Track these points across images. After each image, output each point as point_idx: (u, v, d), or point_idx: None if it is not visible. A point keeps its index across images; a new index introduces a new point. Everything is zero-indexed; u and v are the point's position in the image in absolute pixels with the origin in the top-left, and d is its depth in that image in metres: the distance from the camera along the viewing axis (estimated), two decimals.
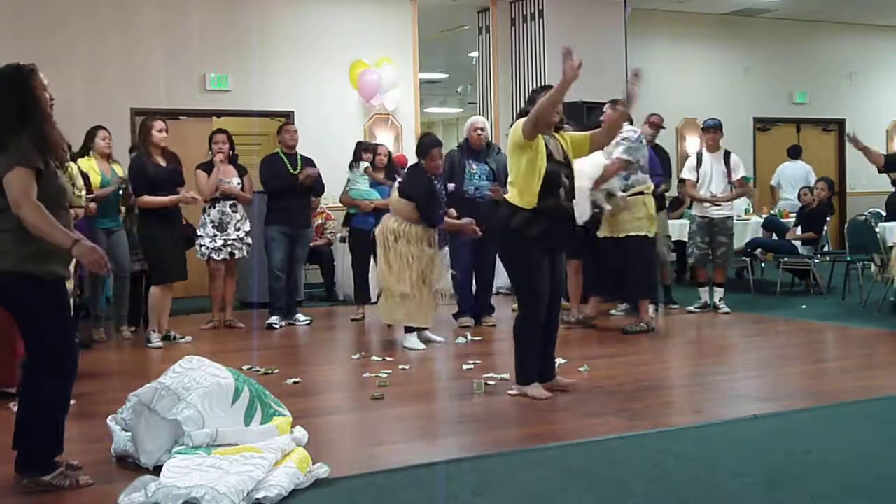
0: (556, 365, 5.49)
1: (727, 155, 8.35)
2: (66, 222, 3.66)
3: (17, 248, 3.54)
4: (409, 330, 6.85)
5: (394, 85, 10.79)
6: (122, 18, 9.92)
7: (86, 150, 7.59)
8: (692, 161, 8.50)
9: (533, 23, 11.62)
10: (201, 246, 7.85)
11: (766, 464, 3.86)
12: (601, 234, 7.42)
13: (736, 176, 8.29)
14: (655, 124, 8.79)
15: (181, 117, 10.25)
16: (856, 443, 4.21)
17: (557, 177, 5.05)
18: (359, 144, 8.69)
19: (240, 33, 10.38)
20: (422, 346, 6.82)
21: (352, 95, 10.69)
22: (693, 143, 12.47)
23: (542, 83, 11.42)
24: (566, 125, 5.53)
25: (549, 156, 5.08)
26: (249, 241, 8.04)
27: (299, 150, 8.25)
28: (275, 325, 7.93)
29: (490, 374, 5.70)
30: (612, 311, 8.44)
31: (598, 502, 3.49)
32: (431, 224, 6.73)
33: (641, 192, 7.33)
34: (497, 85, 11.90)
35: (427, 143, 6.94)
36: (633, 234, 7.28)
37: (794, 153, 12.62)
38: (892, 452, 4.08)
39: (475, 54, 12.46)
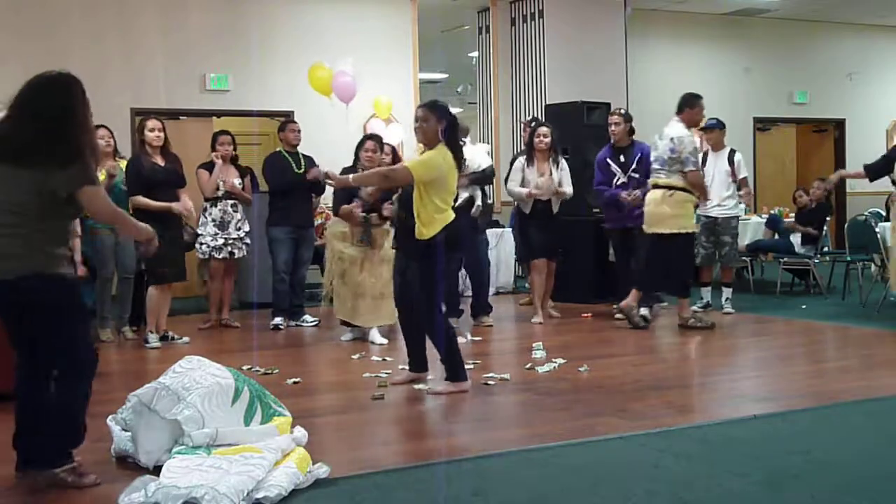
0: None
1: (731, 154, 8.36)
2: (73, 226, 3.74)
3: (45, 250, 3.59)
4: (343, 324, 7.27)
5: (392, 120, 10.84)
6: (123, 18, 9.91)
7: None
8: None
9: (533, 23, 11.62)
10: (202, 244, 7.85)
11: (766, 464, 3.86)
12: (647, 230, 7.53)
13: (739, 176, 8.30)
14: None
15: (181, 117, 10.26)
16: (856, 443, 4.21)
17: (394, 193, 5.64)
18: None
19: (240, 33, 10.38)
20: (384, 340, 7.08)
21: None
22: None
23: (543, 83, 11.47)
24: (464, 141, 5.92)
25: None
26: (248, 241, 8.05)
27: (300, 150, 8.23)
28: (280, 327, 7.91)
29: (490, 374, 5.70)
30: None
31: (598, 502, 3.49)
32: (334, 212, 7.31)
33: None
34: (497, 85, 11.90)
35: (362, 139, 7.39)
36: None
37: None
38: (893, 452, 4.09)
39: (475, 54, 12.45)
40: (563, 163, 8.05)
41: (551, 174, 7.91)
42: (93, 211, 3.81)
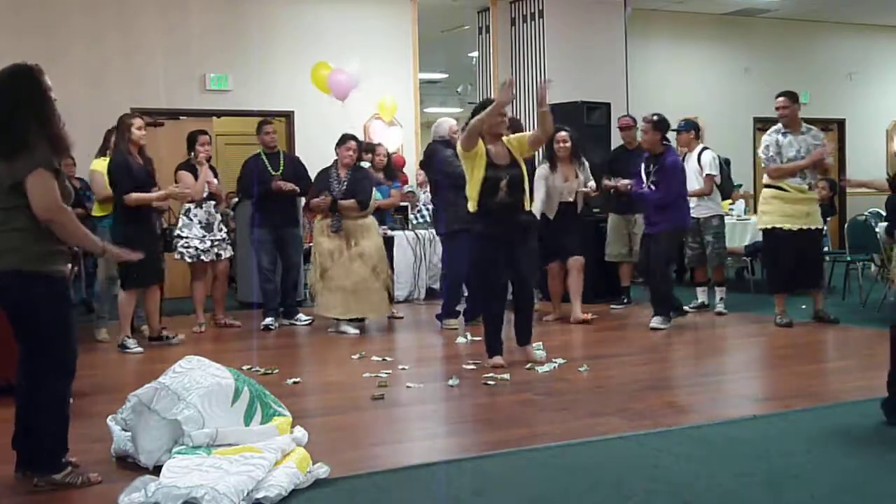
0: (531, 344, 6.28)
1: (700, 153, 8.32)
2: None
3: (25, 247, 3.55)
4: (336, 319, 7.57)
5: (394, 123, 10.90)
6: (123, 18, 9.92)
7: (103, 150, 7.56)
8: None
9: (533, 23, 11.62)
10: (188, 247, 7.69)
11: (766, 464, 3.86)
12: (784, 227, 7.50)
13: (703, 174, 8.19)
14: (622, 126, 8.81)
15: (181, 117, 10.25)
16: (856, 442, 4.21)
17: (496, 181, 5.79)
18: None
19: (240, 33, 10.39)
20: (355, 331, 7.43)
21: (352, 95, 10.67)
22: None
23: (542, 83, 11.43)
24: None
25: (490, 163, 5.82)
26: (229, 241, 8.03)
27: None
28: (271, 327, 7.88)
29: (490, 374, 5.70)
30: (612, 307, 8.69)
31: (598, 502, 3.49)
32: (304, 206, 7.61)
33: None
34: (497, 85, 11.88)
35: (342, 138, 7.66)
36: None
37: None
38: (892, 452, 4.09)
39: (475, 54, 12.46)
40: (586, 163, 7.92)
41: (577, 177, 7.79)
42: (32, 198, 3.48)
